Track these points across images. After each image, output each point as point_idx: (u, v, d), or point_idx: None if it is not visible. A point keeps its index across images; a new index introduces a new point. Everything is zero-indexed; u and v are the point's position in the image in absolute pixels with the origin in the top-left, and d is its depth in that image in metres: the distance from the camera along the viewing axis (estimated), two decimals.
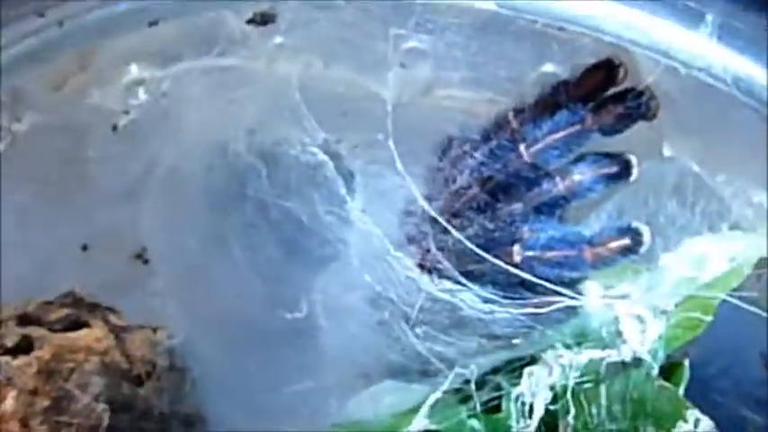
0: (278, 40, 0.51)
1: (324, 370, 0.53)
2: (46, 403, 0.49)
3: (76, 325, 0.54)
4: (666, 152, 0.52)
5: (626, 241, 0.49)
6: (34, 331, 0.52)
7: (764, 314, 0.48)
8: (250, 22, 0.49)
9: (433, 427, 0.49)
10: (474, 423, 0.50)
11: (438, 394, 0.49)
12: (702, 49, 0.45)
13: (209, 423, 0.54)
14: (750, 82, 0.45)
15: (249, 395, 0.54)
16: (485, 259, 0.50)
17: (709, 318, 0.48)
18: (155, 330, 0.55)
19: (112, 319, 0.55)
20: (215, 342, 0.54)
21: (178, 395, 0.54)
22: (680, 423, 0.46)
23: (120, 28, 0.47)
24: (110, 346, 0.53)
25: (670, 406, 0.47)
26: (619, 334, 0.49)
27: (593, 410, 0.48)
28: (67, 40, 0.47)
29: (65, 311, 0.54)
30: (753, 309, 0.47)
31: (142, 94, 0.52)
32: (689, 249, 0.50)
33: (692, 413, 0.46)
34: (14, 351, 0.51)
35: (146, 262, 0.57)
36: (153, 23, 0.45)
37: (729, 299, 0.48)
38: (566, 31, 0.47)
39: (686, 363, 0.50)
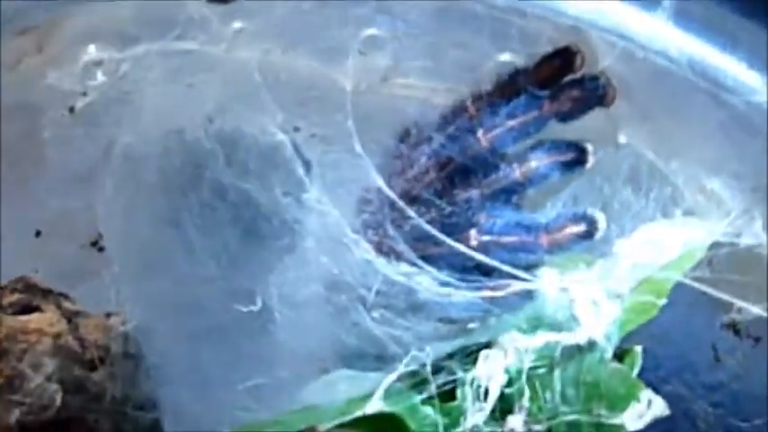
0: (237, 25, 0.51)
1: (280, 361, 0.53)
2: None
3: (29, 309, 0.54)
4: (622, 139, 0.52)
5: (581, 227, 0.50)
6: None
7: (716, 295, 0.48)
8: (210, 0, 0.48)
9: (389, 409, 0.48)
10: (428, 409, 0.49)
11: (393, 377, 0.49)
12: (659, 31, 0.45)
13: (164, 410, 0.54)
14: (704, 65, 0.46)
15: (204, 384, 0.54)
16: (442, 243, 0.50)
17: (662, 301, 0.49)
18: (108, 316, 0.55)
19: (65, 304, 0.55)
20: (171, 330, 0.54)
21: (132, 381, 0.54)
22: (633, 404, 0.46)
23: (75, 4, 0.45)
24: (62, 329, 0.53)
25: (623, 388, 0.47)
26: (574, 318, 0.49)
27: (548, 394, 0.48)
28: (20, 17, 0.45)
29: (16, 296, 0.54)
30: (706, 289, 0.48)
31: (100, 76, 0.52)
32: (643, 235, 0.51)
33: (646, 394, 0.46)
34: None
35: (101, 249, 0.57)
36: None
37: (683, 281, 0.49)
38: (524, 18, 0.47)
39: (639, 347, 0.50)
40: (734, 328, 0.56)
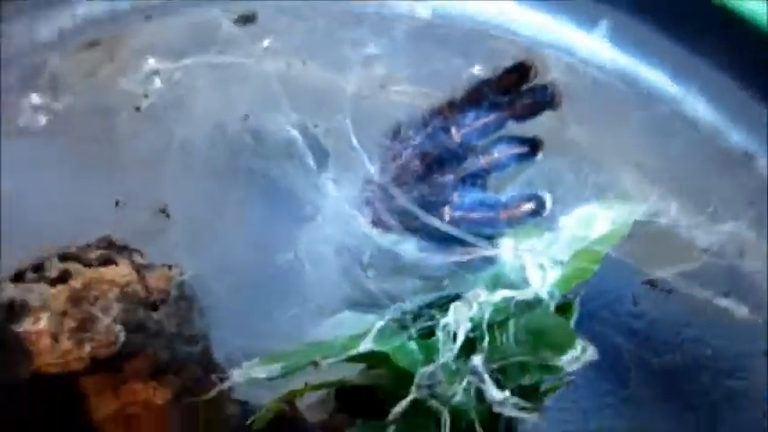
0: (265, 43, 0.46)
1: (300, 305, 0.48)
2: (73, 323, 0.44)
3: (108, 262, 0.48)
4: (566, 136, 0.46)
5: (532, 206, 0.46)
6: (72, 266, 0.46)
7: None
8: (236, 21, 0.42)
9: (378, 348, 0.43)
10: (411, 345, 0.44)
11: (382, 323, 0.44)
12: (597, 49, 0.38)
13: (213, 344, 0.49)
14: (634, 77, 0.39)
15: (244, 322, 0.49)
16: (422, 217, 0.45)
17: (595, 266, 0.44)
18: (170, 268, 0.49)
19: (137, 258, 0.49)
20: (218, 279, 0.49)
21: (186, 319, 0.48)
22: (570, 350, 0.41)
23: (131, 23, 0.40)
24: (131, 279, 0.47)
25: (563, 337, 0.42)
26: (525, 279, 0.44)
27: (504, 339, 0.43)
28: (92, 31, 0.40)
29: (99, 252, 0.48)
30: (627, 260, 0.45)
31: (158, 83, 0.47)
32: (581, 213, 0.45)
33: (580, 342, 0.41)
34: (54, 281, 0.45)
35: (167, 216, 0.51)
36: (148, 18, 0.38)
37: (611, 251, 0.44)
38: (489, 39, 0.42)
39: (576, 301, 0.45)
40: (651, 283, 0.50)
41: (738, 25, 0.35)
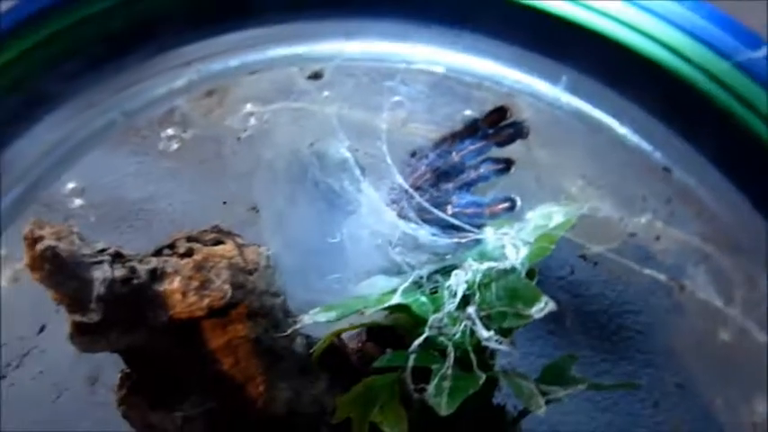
0: (325, 93, 0.43)
1: (348, 268, 0.45)
2: (196, 284, 0.41)
3: (218, 243, 0.45)
4: (532, 157, 0.43)
5: (507, 204, 0.43)
6: (195, 245, 0.44)
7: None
8: (309, 77, 0.39)
9: (402, 301, 0.41)
10: (425, 299, 0.42)
11: (405, 284, 0.42)
12: (559, 96, 0.35)
13: (288, 297, 0.46)
14: (583, 115, 0.36)
15: (309, 282, 0.46)
16: (433, 212, 0.42)
17: (552, 246, 0.40)
18: (259, 246, 0.46)
19: (238, 240, 0.46)
20: (291, 254, 0.46)
21: (271, 280, 0.45)
22: (537, 303, 0.38)
23: (235, 77, 0.36)
24: (235, 254, 0.44)
25: (531, 294, 0.38)
26: (503, 254, 0.41)
27: (489, 295, 0.40)
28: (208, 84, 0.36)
29: (213, 235, 0.45)
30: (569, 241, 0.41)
31: (253, 121, 0.44)
32: (543, 210, 0.42)
33: (544, 298, 0.38)
34: (183, 255, 0.43)
35: (257, 212, 0.48)
36: (253, 73, 0.35)
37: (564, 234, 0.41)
38: (479, 89, 0.38)
39: (537, 269, 0.42)
40: (584, 257, 0.46)
41: (662, 78, 0.31)
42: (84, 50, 0.29)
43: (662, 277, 0.34)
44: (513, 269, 0.39)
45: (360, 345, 0.48)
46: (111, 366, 0.43)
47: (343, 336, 0.47)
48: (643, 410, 0.50)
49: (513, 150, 0.42)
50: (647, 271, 0.35)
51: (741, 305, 0.31)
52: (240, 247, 0.47)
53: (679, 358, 0.48)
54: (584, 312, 0.49)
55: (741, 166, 0.30)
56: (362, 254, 0.44)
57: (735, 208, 0.31)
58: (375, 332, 0.47)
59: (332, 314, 0.41)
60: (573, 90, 0.33)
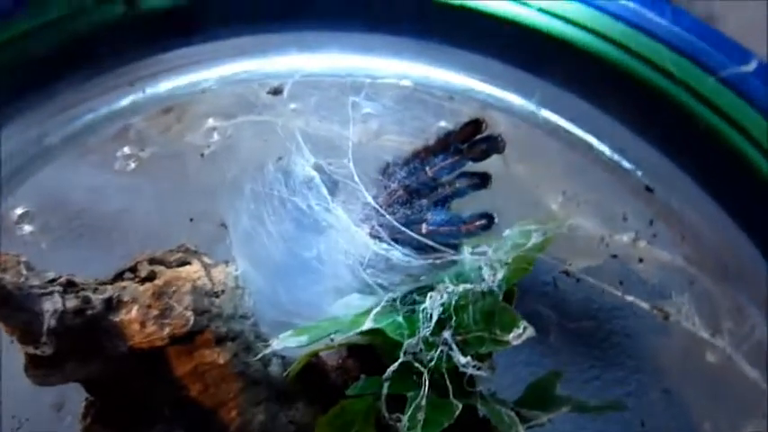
0: (292, 106, 0.41)
1: (320, 288, 0.42)
2: (156, 312, 0.39)
3: (184, 263, 0.43)
4: (509, 171, 0.39)
5: (484, 221, 0.39)
6: (157, 268, 0.41)
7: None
8: (269, 93, 0.36)
9: (375, 325, 0.38)
10: (400, 322, 0.39)
11: (378, 308, 0.39)
12: (532, 112, 0.32)
13: (258, 319, 0.43)
14: (559, 131, 0.34)
15: (279, 302, 0.43)
16: (405, 231, 0.39)
17: (530, 267, 0.38)
18: (227, 264, 0.44)
19: (205, 259, 0.44)
20: (261, 273, 0.44)
21: (239, 302, 0.43)
22: (515, 329, 0.36)
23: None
24: (201, 274, 0.42)
25: (509, 319, 0.36)
26: (480, 275, 0.38)
27: (466, 318, 0.37)
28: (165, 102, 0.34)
29: (179, 255, 0.43)
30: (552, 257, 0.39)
31: (216, 136, 0.42)
32: (521, 228, 0.39)
33: (522, 323, 0.36)
34: (144, 280, 0.41)
35: (225, 228, 0.45)
36: (204, 92, 0.32)
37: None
38: (452, 101, 0.35)
39: (516, 288, 0.39)
40: (567, 273, 0.43)
41: (639, 91, 0.29)
42: (16, 71, 0.26)
43: (645, 305, 0.32)
44: (490, 291, 0.37)
45: (340, 361, 0.46)
46: (77, 391, 0.41)
47: (322, 353, 0.46)
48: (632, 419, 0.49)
49: (489, 165, 0.39)
50: (630, 298, 0.33)
51: (728, 336, 0.29)
52: (207, 267, 0.44)
53: (666, 367, 0.47)
54: (568, 329, 0.47)
55: (726, 185, 0.28)
56: (334, 274, 0.42)
57: (720, 229, 0.29)
58: (355, 349, 0.45)
59: (303, 338, 0.39)
60: (550, 105, 0.31)
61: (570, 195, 0.37)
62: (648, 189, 0.31)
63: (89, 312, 0.36)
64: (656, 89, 0.28)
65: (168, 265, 0.43)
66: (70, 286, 0.36)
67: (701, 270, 0.31)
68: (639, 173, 0.30)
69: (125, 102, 0.33)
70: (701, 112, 0.26)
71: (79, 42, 0.29)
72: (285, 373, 0.42)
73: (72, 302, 0.35)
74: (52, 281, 0.35)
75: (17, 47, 0.28)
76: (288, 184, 0.40)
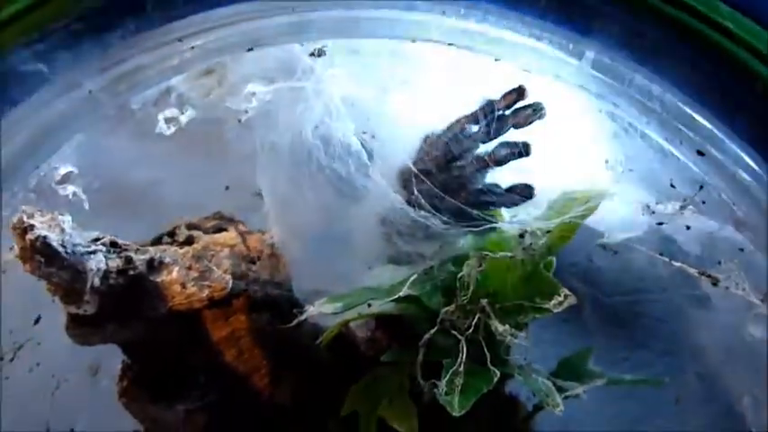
0: (330, 71, 0.40)
1: (356, 257, 0.43)
2: (195, 274, 0.39)
3: (220, 230, 0.43)
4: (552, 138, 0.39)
5: (524, 192, 0.38)
6: (195, 233, 0.42)
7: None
8: (311, 55, 0.36)
9: (412, 293, 0.38)
10: (434, 290, 0.39)
11: (415, 275, 0.38)
12: (582, 74, 0.31)
13: (294, 286, 0.44)
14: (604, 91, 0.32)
15: (315, 270, 0.44)
16: (444, 198, 0.39)
17: (573, 235, 0.37)
18: (263, 233, 0.44)
19: (241, 227, 0.44)
20: (298, 240, 0.44)
21: (275, 270, 0.43)
22: (556, 297, 0.35)
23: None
24: (237, 242, 0.42)
25: (550, 287, 0.36)
26: (520, 243, 0.37)
27: (507, 288, 0.37)
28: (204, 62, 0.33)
29: (215, 222, 0.44)
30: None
31: (255, 102, 0.41)
32: (563, 196, 0.39)
33: (563, 291, 0.35)
34: (182, 244, 0.41)
35: (261, 196, 0.44)
36: (250, 49, 0.32)
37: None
38: (498, 62, 0.34)
39: (554, 259, 0.38)
40: (603, 246, 0.43)
41: (693, 49, 0.28)
42: (62, 26, 0.26)
43: (693, 271, 0.31)
44: (530, 259, 0.36)
45: (369, 333, 0.46)
46: (113, 355, 0.42)
47: (352, 324, 0.46)
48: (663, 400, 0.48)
49: (534, 131, 0.38)
50: (677, 264, 0.32)
51: None
52: (243, 234, 0.44)
53: (702, 346, 0.46)
54: (603, 303, 0.46)
55: None
56: (371, 242, 0.42)
57: None
58: (385, 320, 0.45)
59: (339, 305, 0.39)
60: (597, 67, 0.30)
61: (615, 163, 0.36)
62: (700, 153, 0.30)
63: (131, 272, 0.36)
64: (711, 46, 0.27)
65: (205, 231, 0.43)
66: (113, 246, 0.36)
67: (752, 235, 0.30)
68: (691, 136, 0.30)
69: (173, 60, 0.32)
70: (758, 71, 0.25)
71: None
72: (318, 341, 0.42)
73: (115, 262, 0.35)
74: (96, 240, 0.35)
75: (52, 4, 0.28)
76: (326, 151, 0.40)
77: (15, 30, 0.27)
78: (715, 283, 0.30)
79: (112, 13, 0.28)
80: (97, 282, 0.35)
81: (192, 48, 0.32)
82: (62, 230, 0.34)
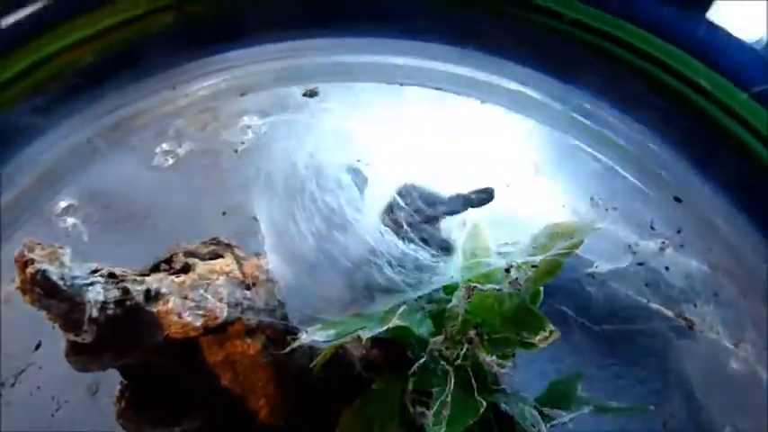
0: (324, 105, 0.42)
1: (348, 284, 0.43)
2: (191, 304, 0.40)
3: (216, 256, 0.44)
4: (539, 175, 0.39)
5: (483, 195, 0.41)
6: (192, 260, 0.43)
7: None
8: (304, 95, 0.37)
9: (401, 323, 0.39)
10: (426, 320, 0.40)
11: (405, 305, 0.39)
12: (567, 116, 0.32)
13: (288, 311, 0.44)
14: (588, 134, 0.33)
15: (308, 296, 0.44)
16: (430, 231, 0.41)
17: (558, 271, 0.38)
18: (259, 258, 0.45)
19: (237, 252, 0.45)
20: (292, 267, 0.44)
21: (270, 295, 0.44)
22: (541, 332, 0.36)
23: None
24: (233, 268, 0.43)
25: (536, 322, 0.37)
26: (507, 276, 0.38)
27: (492, 319, 0.38)
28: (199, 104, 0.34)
29: (211, 248, 0.44)
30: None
31: (250, 134, 0.43)
32: (548, 229, 0.39)
33: (549, 326, 0.36)
34: (179, 272, 0.42)
35: (257, 220, 0.45)
36: (243, 94, 0.33)
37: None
38: (484, 104, 0.35)
39: (541, 289, 0.40)
40: (592, 276, 0.43)
41: (671, 103, 0.29)
42: (67, 78, 0.27)
43: (669, 313, 0.32)
44: (517, 293, 0.37)
45: (365, 352, 0.47)
46: (112, 373, 0.43)
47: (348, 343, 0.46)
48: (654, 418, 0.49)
49: (521, 168, 0.39)
50: (655, 306, 0.33)
51: (751, 346, 0.29)
52: (239, 260, 0.45)
53: (689, 371, 0.46)
54: (593, 331, 0.47)
55: (755, 198, 0.28)
56: (362, 271, 0.42)
57: (747, 241, 0.29)
58: (380, 340, 0.46)
59: (330, 333, 0.39)
60: (579, 112, 0.31)
61: (598, 201, 0.37)
62: (677, 199, 0.31)
63: (128, 303, 0.37)
64: (687, 102, 0.28)
65: (202, 258, 0.44)
66: (111, 277, 0.37)
67: (727, 280, 0.31)
68: (669, 182, 0.30)
69: (167, 105, 0.33)
70: (731, 128, 0.26)
71: (127, 49, 0.30)
72: (312, 365, 0.43)
73: (112, 293, 0.37)
74: (95, 271, 0.36)
75: (68, 56, 0.29)
76: (318, 183, 0.41)
77: (16, 90, 0.28)
78: (690, 326, 0.31)
79: (108, 66, 0.29)
80: (95, 312, 0.36)
81: (186, 95, 0.33)
82: (61, 264, 0.35)
